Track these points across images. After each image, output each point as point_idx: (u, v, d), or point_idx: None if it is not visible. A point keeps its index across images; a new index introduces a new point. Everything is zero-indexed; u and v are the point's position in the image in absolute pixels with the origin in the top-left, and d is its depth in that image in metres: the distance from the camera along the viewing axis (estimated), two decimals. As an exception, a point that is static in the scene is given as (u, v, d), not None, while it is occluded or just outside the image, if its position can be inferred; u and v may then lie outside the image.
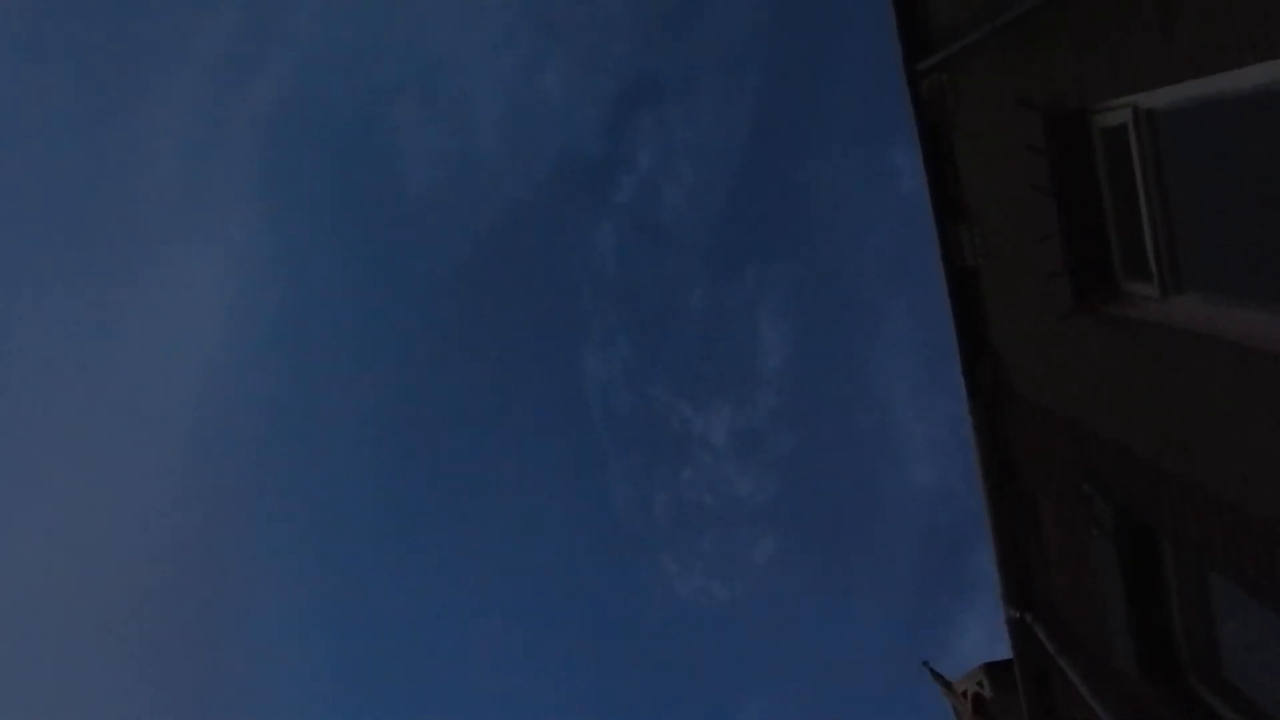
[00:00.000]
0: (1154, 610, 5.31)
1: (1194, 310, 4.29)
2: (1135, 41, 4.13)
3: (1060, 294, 5.34)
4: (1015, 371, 6.84)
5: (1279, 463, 3.64)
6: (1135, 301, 4.87)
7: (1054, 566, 6.81)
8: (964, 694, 27.53)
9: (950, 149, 7.12)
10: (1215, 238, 4.21)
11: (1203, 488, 4.27)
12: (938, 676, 28.91)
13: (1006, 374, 7.00)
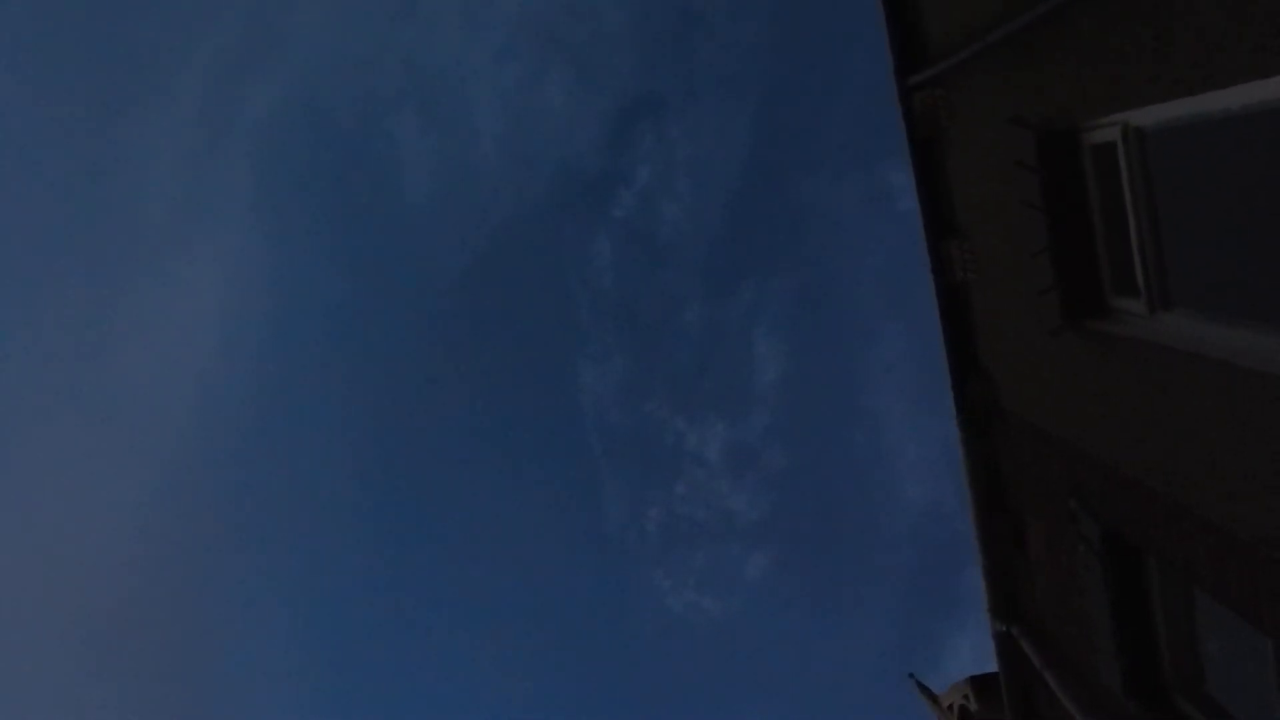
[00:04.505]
0: (1139, 626, 5.32)
1: (1181, 327, 4.32)
2: (1126, 60, 4.16)
3: (1049, 311, 5.36)
4: (1004, 388, 6.87)
5: (1264, 482, 3.65)
6: (1123, 318, 4.89)
7: (1041, 582, 6.82)
8: (949, 707, 27.50)
9: (942, 165, 7.15)
10: (1203, 255, 4.24)
11: (1189, 507, 4.29)
12: (924, 689, 28.88)
13: (996, 391, 7.02)
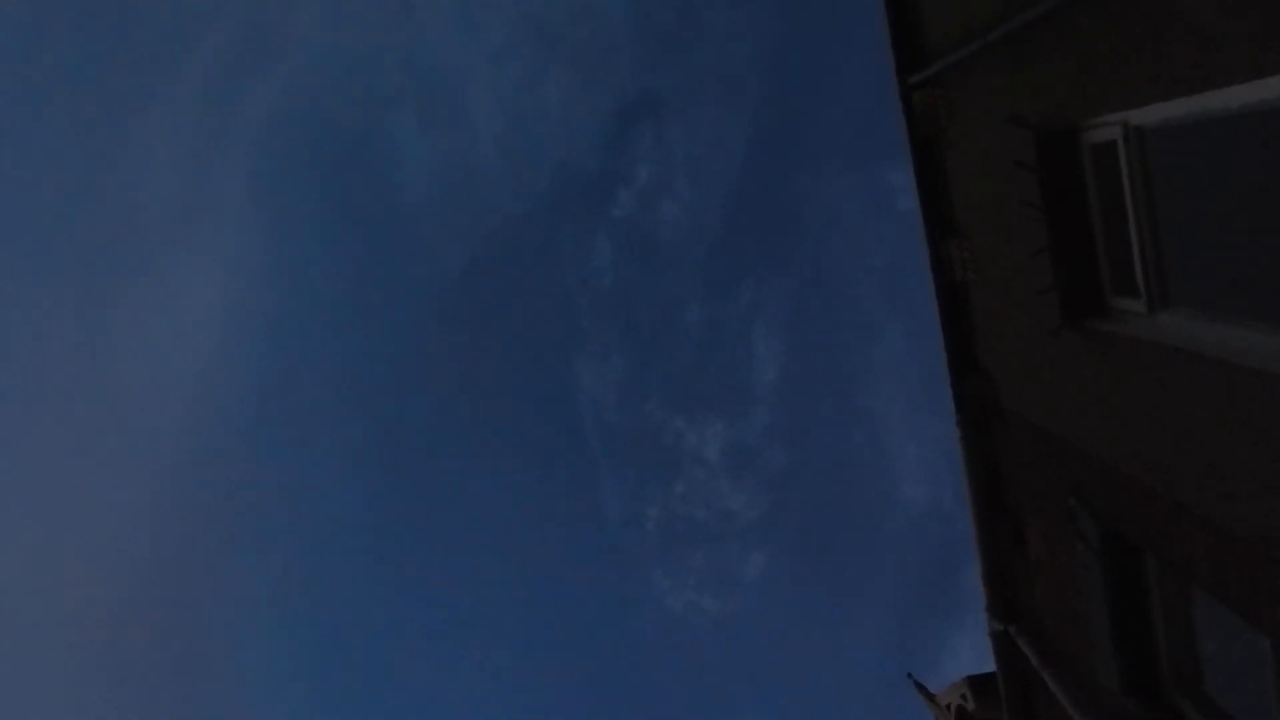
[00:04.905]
0: (1137, 625, 5.33)
1: (1180, 327, 4.32)
2: (1126, 59, 4.17)
3: (1049, 310, 5.36)
4: (1004, 387, 6.87)
5: (1262, 481, 3.66)
6: (1122, 318, 4.90)
7: (1039, 581, 6.83)
8: (947, 706, 27.53)
9: (942, 164, 7.16)
10: (1202, 254, 4.24)
11: (1188, 506, 4.29)
12: (922, 689, 28.91)
13: (995, 390, 7.02)
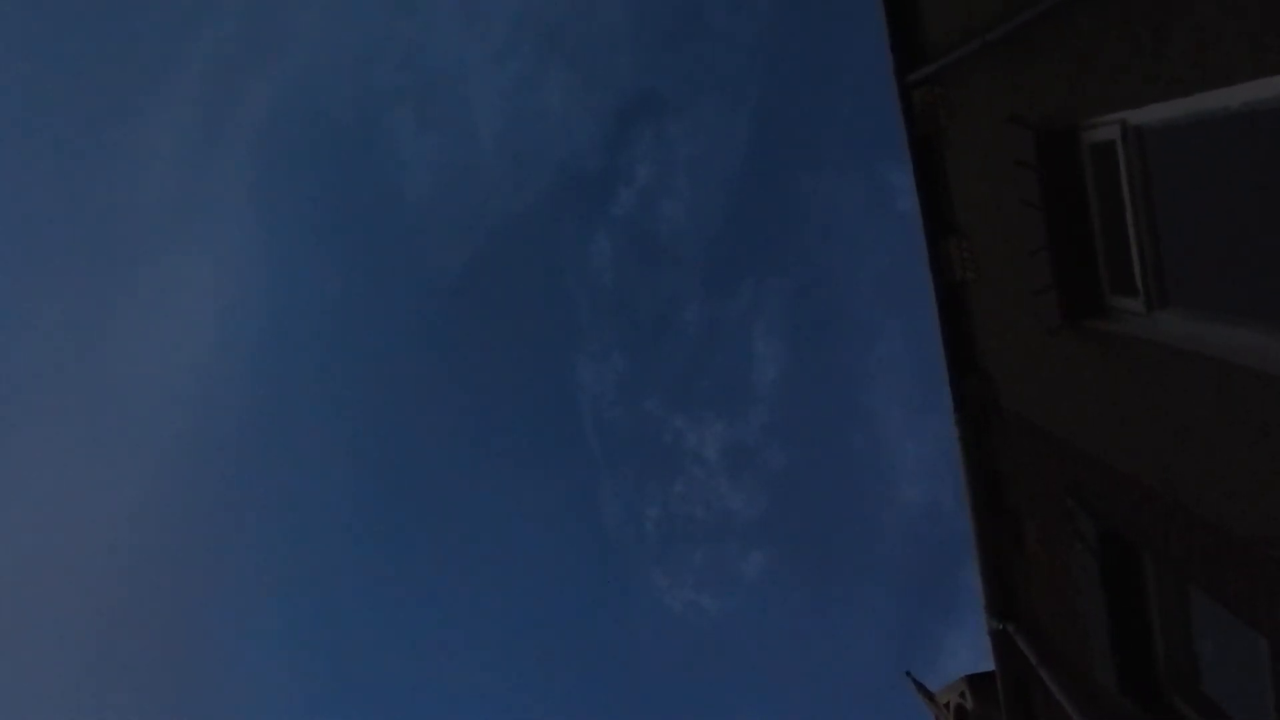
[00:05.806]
0: (1135, 625, 5.33)
1: (1178, 327, 4.32)
2: (1125, 58, 4.16)
3: (1047, 309, 5.36)
4: (1002, 387, 6.87)
5: (1261, 481, 3.66)
6: (1121, 317, 4.90)
7: (1037, 580, 6.83)
8: (946, 705, 27.53)
9: (942, 163, 7.15)
10: (1201, 254, 4.24)
11: (1185, 505, 4.29)
12: (920, 687, 28.91)
13: (994, 389, 7.03)
